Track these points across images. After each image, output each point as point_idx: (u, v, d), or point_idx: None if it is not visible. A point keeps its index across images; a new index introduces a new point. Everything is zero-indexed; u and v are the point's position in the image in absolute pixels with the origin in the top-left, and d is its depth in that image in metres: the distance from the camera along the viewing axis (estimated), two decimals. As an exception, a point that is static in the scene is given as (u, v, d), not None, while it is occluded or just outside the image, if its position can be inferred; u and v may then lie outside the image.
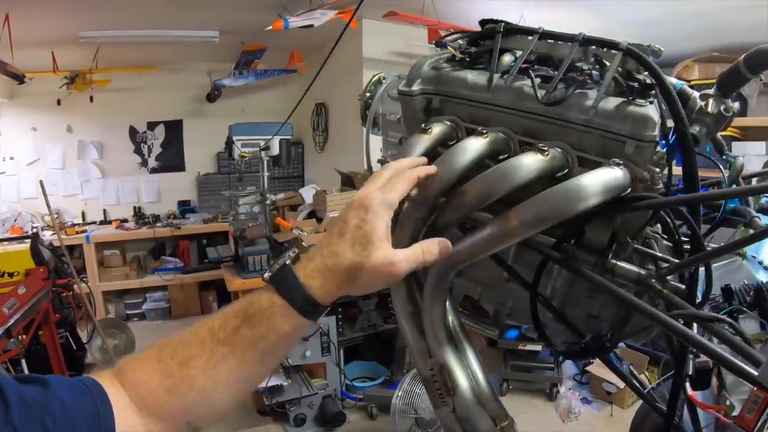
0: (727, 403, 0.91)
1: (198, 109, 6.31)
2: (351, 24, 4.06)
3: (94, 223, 5.98)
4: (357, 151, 5.47)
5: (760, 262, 1.49)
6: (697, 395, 1.06)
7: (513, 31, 0.96)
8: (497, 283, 1.07)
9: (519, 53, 0.97)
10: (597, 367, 4.49)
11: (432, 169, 0.80)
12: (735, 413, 0.73)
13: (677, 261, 0.88)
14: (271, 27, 3.81)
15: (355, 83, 5.21)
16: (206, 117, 6.28)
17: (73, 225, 5.78)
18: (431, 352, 0.93)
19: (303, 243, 3.81)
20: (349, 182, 4.88)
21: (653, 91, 0.81)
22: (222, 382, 0.70)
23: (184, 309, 5.75)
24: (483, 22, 1.01)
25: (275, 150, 4.13)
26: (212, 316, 0.73)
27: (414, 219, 0.86)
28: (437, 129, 0.91)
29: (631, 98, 0.81)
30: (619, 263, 0.85)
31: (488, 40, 1.00)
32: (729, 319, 0.89)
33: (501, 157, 0.88)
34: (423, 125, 0.91)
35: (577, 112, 0.83)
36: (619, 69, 0.84)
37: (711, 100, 0.90)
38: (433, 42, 1.10)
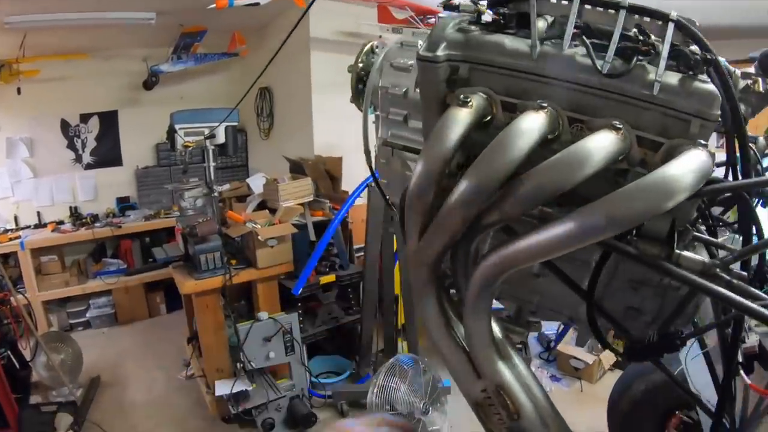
0: None
1: (134, 98, 5.85)
2: (299, 3, 3.85)
3: (28, 227, 5.45)
4: (304, 136, 5.26)
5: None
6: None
7: None
8: (523, 278, 0.97)
9: (550, 19, 0.82)
10: (564, 344, 4.53)
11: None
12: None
13: (737, 249, 0.82)
14: (214, 5, 3.52)
15: (302, 66, 4.96)
16: (143, 106, 5.84)
17: (5, 231, 5.26)
18: (480, 371, 0.83)
19: (258, 237, 3.59)
20: (299, 169, 4.68)
21: (708, 68, 0.74)
22: None
23: (131, 313, 5.40)
24: None
25: (221, 138, 3.85)
26: None
27: (459, 220, 0.71)
28: (477, 101, 0.75)
29: (691, 73, 0.73)
30: (683, 253, 0.76)
31: (514, 2, 0.84)
32: None
33: (550, 136, 0.74)
34: (461, 97, 0.74)
35: (639, 86, 0.73)
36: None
37: (759, 80, 0.87)
38: (441, 3, 0.93)
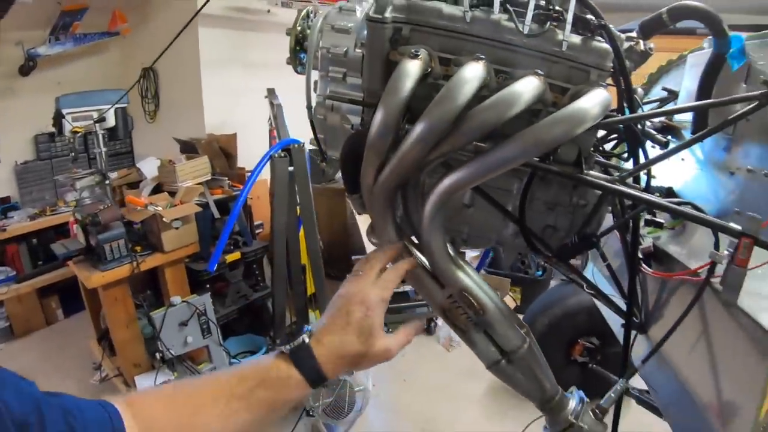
0: (709, 257, 1.06)
1: (9, 86, 5.25)
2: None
3: None
4: (194, 115, 5.12)
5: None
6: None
7: None
8: (455, 211, 1.11)
9: None
10: (465, 297, 4.89)
11: (414, 261, 0.95)
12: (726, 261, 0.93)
13: (628, 168, 1.06)
14: None
15: (191, 42, 4.80)
16: (20, 94, 5.26)
17: None
18: (442, 281, 0.97)
19: (164, 218, 3.51)
20: (191, 149, 4.57)
21: (601, 31, 0.93)
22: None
23: (27, 324, 4.94)
24: None
25: (111, 121, 3.68)
26: (227, 371, 0.86)
27: (416, 154, 0.85)
28: (423, 55, 0.88)
29: (589, 35, 0.92)
30: (591, 172, 0.97)
31: None
32: (691, 202, 1.13)
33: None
34: (413, 51, 0.88)
35: (551, 44, 0.90)
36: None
37: (640, 41, 1.09)
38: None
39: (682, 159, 1.58)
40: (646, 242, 1.33)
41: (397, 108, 0.83)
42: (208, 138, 4.74)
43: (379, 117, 0.84)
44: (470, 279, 0.96)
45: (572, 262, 1.20)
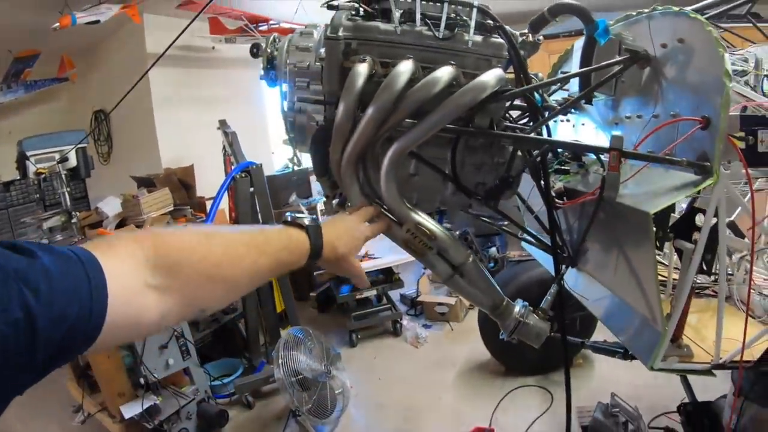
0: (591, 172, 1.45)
1: None
2: (135, 19, 3.95)
3: None
4: (150, 153, 5.27)
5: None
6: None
7: None
8: (403, 180, 1.38)
9: (401, 11, 1.29)
10: (425, 296, 5.19)
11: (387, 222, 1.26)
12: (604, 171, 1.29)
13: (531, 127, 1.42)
14: (57, 25, 3.48)
15: (141, 83, 4.94)
16: None
17: None
18: (400, 219, 1.27)
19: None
20: (149, 184, 4.72)
21: (497, 31, 1.29)
22: (252, 285, 0.94)
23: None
24: None
25: (73, 161, 3.83)
26: (253, 228, 0.98)
27: (371, 128, 1.16)
28: (369, 59, 1.19)
29: (488, 35, 1.28)
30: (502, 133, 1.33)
31: (378, 2, 1.30)
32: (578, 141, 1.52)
33: (413, 77, 1.20)
34: (361, 57, 1.19)
35: (460, 43, 1.25)
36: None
37: (529, 35, 1.44)
38: (324, 4, 1.35)
39: (583, 124, 1.99)
40: (558, 185, 1.67)
41: (354, 98, 1.14)
42: (165, 172, 4.90)
43: (341, 108, 1.15)
44: (420, 216, 1.27)
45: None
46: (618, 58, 1.45)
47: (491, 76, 1.17)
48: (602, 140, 1.78)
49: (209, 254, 0.82)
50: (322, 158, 1.27)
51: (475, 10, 1.27)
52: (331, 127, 1.20)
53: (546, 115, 1.43)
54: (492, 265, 5.22)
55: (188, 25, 2.32)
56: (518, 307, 1.41)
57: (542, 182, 1.46)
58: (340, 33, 1.21)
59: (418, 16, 1.24)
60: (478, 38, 1.25)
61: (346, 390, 3.69)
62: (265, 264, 0.92)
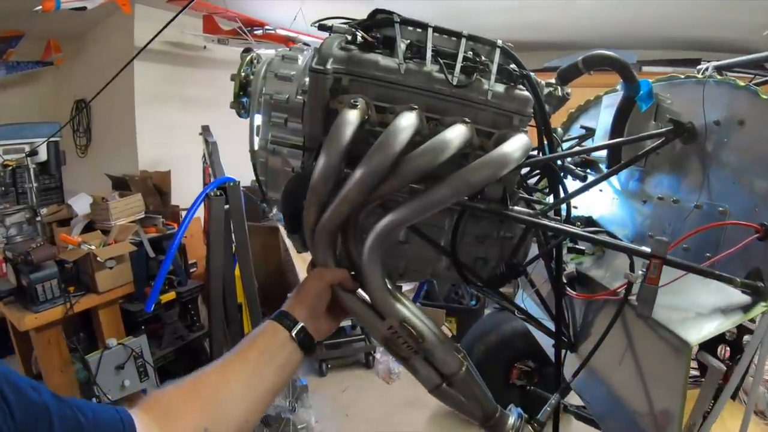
0: (624, 277, 1.16)
1: None
2: (125, 9, 3.70)
3: None
4: (127, 151, 5.00)
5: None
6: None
7: (407, 22, 1.06)
8: (391, 247, 1.15)
9: (407, 42, 1.06)
10: (402, 329, 4.94)
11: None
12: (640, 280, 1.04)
13: (549, 203, 1.18)
14: (40, 8, 3.22)
15: (125, 76, 4.70)
16: None
17: None
18: (383, 313, 1.02)
19: (98, 258, 3.40)
20: (123, 186, 4.46)
21: (523, 80, 1.05)
22: (253, 413, 0.88)
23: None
24: (375, 12, 1.08)
25: (43, 155, 3.57)
26: (235, 356, 0.92)
27: (358, 197, 0.90)
28: (361, 104, 0.94)
29: (512, 84, 1.03)
30: (515, 207, 1.06)
31: (380, 28, 1.06)
32: (606, 230, 1.27)
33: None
34: (352, 101, 0.94)
35: (477, 93, 1.00)
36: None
37: (558, 87, 1.23)
38: (315, 24, 1.12)
39: (600, 190, 1.73)
40: (570, 268, 1.43)
41: (338, 154, 0.89)
42: (141, 175, 4.64)
43: (321, 162, 0.90)
44: (408, 310, 1.01)
45: (503, 289, 1.29)
46: (658, 130, 1.22)
47: (516, 148, 0.93)
48: (621, 213, 1.57)
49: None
50: (296, 214, 1.01)
51: (498, 51, 1.04)
52: (308, 177, 0.95)
53: (568, 192, 1.20)
54: (473, 303, 4.99)
55: (173, 18, 2.10)
56: (513, 418, 1.18)
57: (554, 267, 1.24)
58: (329, 65, 0.96)
59: (429, 53, 1.00)
60: (500, 88, 1.01)
61: (310, 428, 3.45)
62: (258, 382, 0.89)
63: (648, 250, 1.01)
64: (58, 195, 5.87)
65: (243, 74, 1.19)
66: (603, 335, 1.20)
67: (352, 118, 0.91)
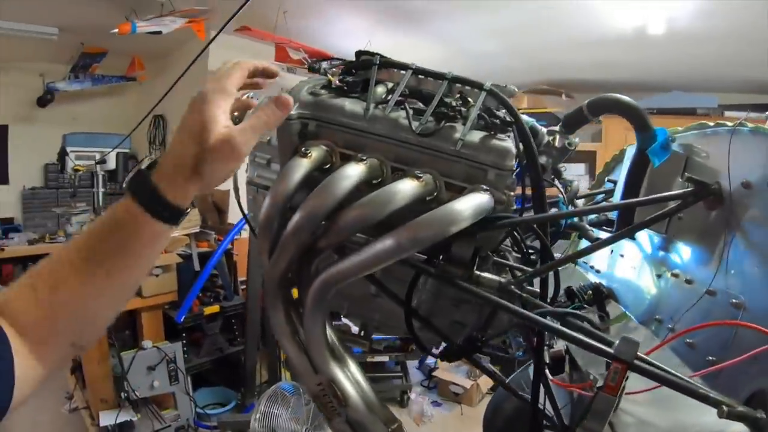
0: (591, 377, 1.03)
1: (27, 115, 5.49)
2: (200, 35, 3.95)
3: None
4: (196, 168, 5.25)
5: (591, 267, 1.71)
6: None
7: (387, 64, 1.03)
8: (364, 298, 1.12)
9: (390, 85, 1.04)
10: (443, 372, 4.81)
11: (275, 68, 0.90)
12: (599, 384, 0.85)
13: (530, 270, 1.02)
14: (116, 30, 3.51)
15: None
16: (36, 123, 5.49)
17: None
18: (316, 368, 0.95)
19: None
20: (186, 201, 4.68)
21: (510, 127, 0.94)
22: (96, 300, 0.73)
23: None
24: (359, 54, 1.06)
25: (111, 164, 3.82)
26: (79, 236, 0.74)
27: (295, 244, 0.88)
28: (316, 153, 0.92)
29: (492, 132, 0.93)
30: (482, 274, 0.94)
31: (363, 70, 1.05)
32: (580, 312, 1.06)
33: (375, 181, 0.93)
34: (303, 149, 0.92)
35: (447, 143, 0.92)
36: (482, 106, 0.96)
37: (557, 136, 1.10)
38: (308, 67, 1.12)
39: (621, 255, 1.56)
40: (559, 345, 1.30)
41: (281, 197, 0.87)
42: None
43: (265, 205, 0.89)
44: (341, 370, 0.96)
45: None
46: (676, 192, 1.04)
47: (468, 206, 0.84)
48: (635, 285, 1.39)
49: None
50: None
51: (483, 94, 0.95)
52: None
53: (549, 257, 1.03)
54: (520, 354, 4.77)
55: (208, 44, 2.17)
56: None
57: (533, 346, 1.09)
58: (294, 111, 0.95)
59: (394, 97, 0.96)
60: (475, 137, 0.91)
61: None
62: (96, 270, 0.71)
63: (611, 351, 0.80)
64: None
65: (235, 114, 1.21)
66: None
67: (300, 164, 0.89)
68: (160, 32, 3.67)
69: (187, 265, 3.90)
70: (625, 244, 1.54)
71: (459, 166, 0.92)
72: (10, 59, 5.22)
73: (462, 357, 1.08)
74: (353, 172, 0.87)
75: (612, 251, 1.63)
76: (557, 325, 0.91)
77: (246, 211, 1.23)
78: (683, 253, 1.20)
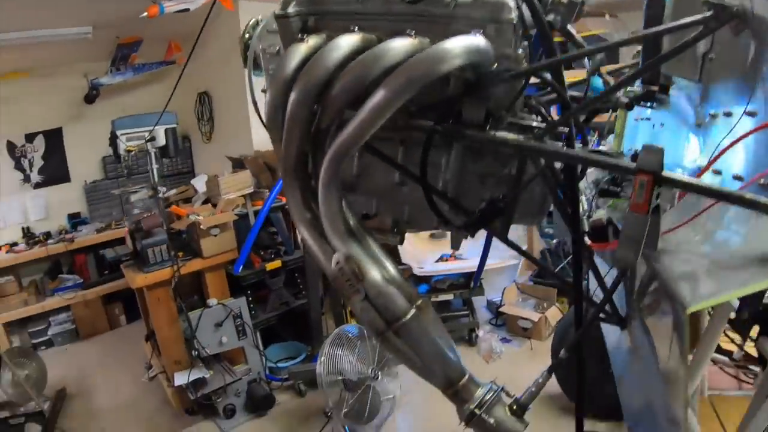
0: None
1: (77, 113, 5.86)
2: (227, 5, 4.00)
3: (-20, 251, 5.39)
4: (244, 135, 5.38)
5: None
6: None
7: None
8: (391, 190, 1.14)
9: None
10: (510, 307, 4.78)
11: None
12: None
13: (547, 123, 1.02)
14: (146, 14, 3.63)
15: (237, 68, 5.07)
16: (87, 120, 5.86)
17: (-41, 256, 5.18)
18: (332, 245, 0.98)
19: (201, 226, 3.75)
20: (240, 165, 4.82)
21: None
22: None
23: (92, 327, 5.39)
24: None
25: (161, 140, 3.98)
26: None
27: (297, 125, 0.91)
28: (313, 39, 0.96)
29: None
30: (498, 132, 0.95)
31: None
32: (603, 149, 1.09)
33: None
34: (299, 36, 0.96)
35: (440, 6, 0.92)
36: None
37: None
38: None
39: (662, 124, 1.53)
40: (599, 214, 1.28)
41: (281, 82, 0.91)
42: (254, 155, 4.99)
43: (268, 96, 0.93)
44: (360, 247, 0.97)
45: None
46: (698, 16, 0.94)
47: (456, 44, 0.83)
48: (678, 147, 1.34)
49: None
50: None
51: None
52: None
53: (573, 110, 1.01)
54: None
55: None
56: (482, 390, 1.00)
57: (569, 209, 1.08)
58: (291, 9, 0.98)
59: None
60: None
61: (396, 397, 3.48)
62: None
63: (632, 164, 0.78)
64: (191, 178, 6.54)
65: (247, 35, 1.26)
66: (612, 286, 1.06)
67: (297, 49, 0.92)
68: (188, 9, 3.75)
69: (245, 224, 4.02)
70: (660, 117, 1.52)
71: (456, 28, 0.91)
72: (53, 64, 5.49)
73: (485, 225, 1.09)
74: (344, 42, 0.90)
75: (653, 125, 1.60)
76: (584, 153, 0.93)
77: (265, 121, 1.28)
78: (720, 93, 1.15)
